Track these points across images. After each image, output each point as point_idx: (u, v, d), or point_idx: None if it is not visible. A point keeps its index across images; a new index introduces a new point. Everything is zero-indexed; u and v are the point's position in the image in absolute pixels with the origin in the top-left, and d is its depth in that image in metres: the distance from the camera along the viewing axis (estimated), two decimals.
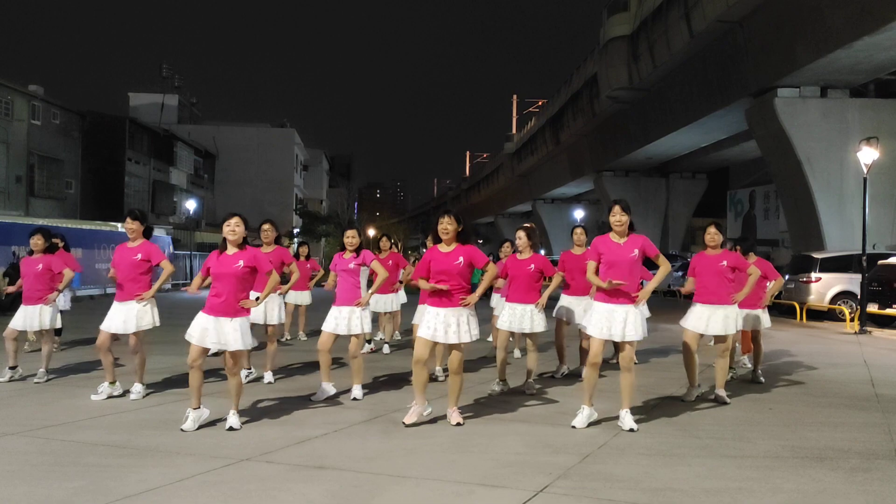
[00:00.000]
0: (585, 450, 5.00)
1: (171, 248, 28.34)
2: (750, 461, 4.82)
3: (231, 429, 5.40)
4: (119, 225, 23.16)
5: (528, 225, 7.64)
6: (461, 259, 5.65)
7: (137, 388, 6.63)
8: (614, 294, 5.60)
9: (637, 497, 4.06)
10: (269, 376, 7.55)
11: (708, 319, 6.79)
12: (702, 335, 6.91)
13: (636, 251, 5.64)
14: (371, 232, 43.29)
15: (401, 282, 10.36)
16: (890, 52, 19.72)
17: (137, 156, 40.07)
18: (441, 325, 5.60)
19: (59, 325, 8.01)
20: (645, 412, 6.28)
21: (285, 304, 11.40)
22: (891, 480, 4.47)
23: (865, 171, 15.94)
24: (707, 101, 28.09)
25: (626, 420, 5.61)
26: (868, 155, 15.86)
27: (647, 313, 8.79)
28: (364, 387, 6.93)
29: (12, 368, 7.48)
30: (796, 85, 22.95)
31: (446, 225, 5.73)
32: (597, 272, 5.72)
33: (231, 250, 5.60)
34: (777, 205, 32.33)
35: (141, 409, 6.21)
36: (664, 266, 5.76)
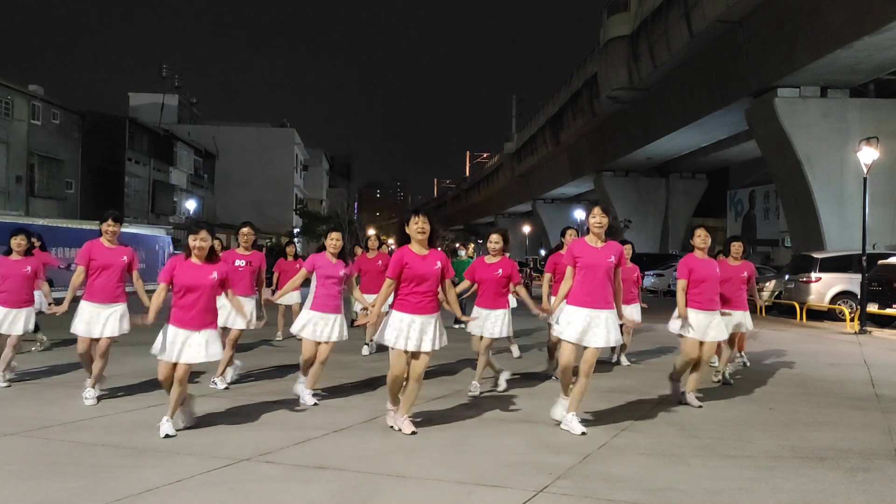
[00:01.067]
0: (585, 450, 4.99)
1: (171, 247, 28.32)
2: (750, 461, 4.82)
3: (167, 436, 5.15)
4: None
5: (503, 229, 7.42)
6: (439, 264, 5.38)
7: (92, 393, 6.41)
8: (593, 301, 5.45)
9: (637, 497, 4.06)
10: (220, 382, 7.13)
11: (707, 327, 6.58)
12: (701, 342, 6.64)
13: (613, 257, 5.52)
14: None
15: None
16: (890, 52, 19.72)
17: (137, 156, 40.06)
18: (416, 332, 5.29)
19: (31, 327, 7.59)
20: (644, 412, 6.27)
21: (277, 304, 11.35)
22: (891, 480, 4.47)
23: (865, 171, 15.94)
24: (707, 101, 28.10)
25: (573, 423, 5.47)
26: (868, 155, 15.85)
27: (637, 318, 8.61)
28: (364, 387, 6.89)
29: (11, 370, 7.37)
30: (796, 85, 22.97)
31: (422, 224, 5.35)
32: (572, 277, 5.58)
33: (199, 261, 5.44)
34: (777, 205, 32.36)
35: (140, 409, 6.20)
36: (618, 288, 5.65)
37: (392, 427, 5.51)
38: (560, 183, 52.81)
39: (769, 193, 35.81)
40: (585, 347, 5.49)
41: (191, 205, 41.43)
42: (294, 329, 6.53)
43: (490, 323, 6.94)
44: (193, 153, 48.18)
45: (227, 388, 7.02)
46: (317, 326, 6.39)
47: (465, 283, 7.26)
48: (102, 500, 3.88)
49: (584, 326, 5.44)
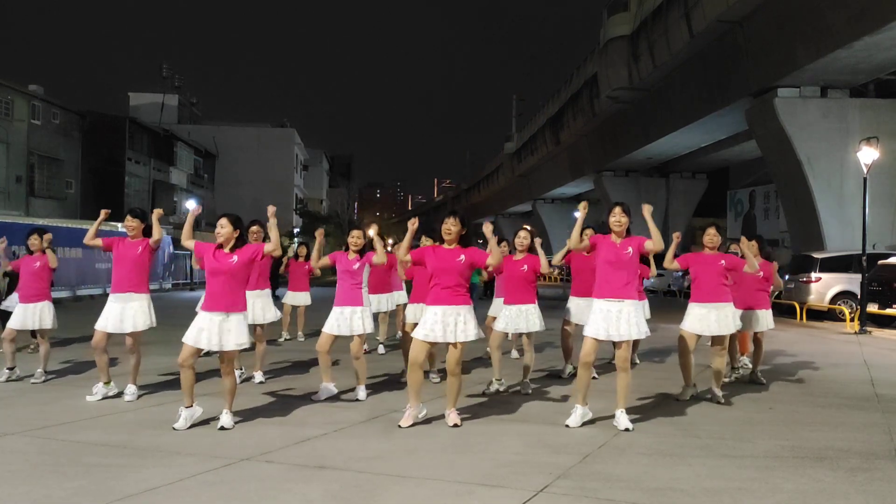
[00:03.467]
0: (585, 450, 5.00)
1: (171, 247, 28.36)
2: (750, 461, 4.83)
3: (223, 428, 5.40)
4: (119, 225, 23.10)
5: (530, 228, 7.59)
6: (462, 257, 5.59)
7: (131, 390, 6.58)
8: (614, 290, 5.60)
9: (637, 497, 4.06)
10: (259, 376, 7.56)
11: (706, 320, 6.73)
12: (699, 336, 6.84)
13: (630, 248, 5.69)
14: (371, 231, 43.25)
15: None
16: (890, 52, 19.71)
17: (137, 156, 40.06)
18: (439, 324, 5.52)
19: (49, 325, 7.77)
20: (644, 412, 6.27)
21: (283, 304, 11.38)
22: (891, 480, 4.47)
23: (865, 171, 15.94)
24: (707, 101, 28.08)
25: (622, 420, 5.60)
26: (868, 155, 15.85)
27: (647, 314, 8.77)
28: (365, 387, 6.90)
29: (10, 369, 7.47)
30: (796, 85, 22.93)
31: (450, 226, 5.67)
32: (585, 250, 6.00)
33: (226, 249, 5.65)
34: (777, 205, 32.34)
35: (140, 409, 6.21)
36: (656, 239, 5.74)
37: (400, 426, 5.53)
38: (560, 183, 52.78)
39: (769, 193, 35.76)
40: (614, 342, 5.69)
41: (191, 205, 41.33)
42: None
43: (516, 317, 7.04)
44: (193, 153, 48.17)
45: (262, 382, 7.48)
46: (338, 321, 6.64)
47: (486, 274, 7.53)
48: (102, 500, 3.88)
49: (605, 322, 5.58)
